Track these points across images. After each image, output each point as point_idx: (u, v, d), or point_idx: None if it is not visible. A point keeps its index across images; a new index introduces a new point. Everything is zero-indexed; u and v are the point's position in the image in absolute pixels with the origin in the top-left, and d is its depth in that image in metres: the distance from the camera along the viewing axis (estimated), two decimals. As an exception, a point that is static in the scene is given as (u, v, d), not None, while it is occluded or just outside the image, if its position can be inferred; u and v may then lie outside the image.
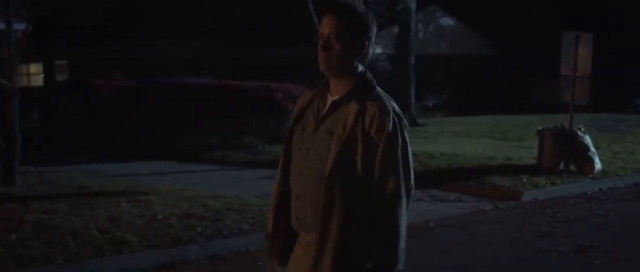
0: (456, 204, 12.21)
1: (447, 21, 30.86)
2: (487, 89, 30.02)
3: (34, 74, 30.92)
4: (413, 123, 24.16)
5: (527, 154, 16.58)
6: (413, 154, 12.40)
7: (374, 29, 3.60)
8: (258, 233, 9.64)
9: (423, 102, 27.59)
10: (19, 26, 19.32)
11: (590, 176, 14.25)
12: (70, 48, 29.21)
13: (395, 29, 25.31)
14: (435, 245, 9.44)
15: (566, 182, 13.73)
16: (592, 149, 14.70)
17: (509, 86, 30.64)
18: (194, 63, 26.94)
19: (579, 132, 14.69)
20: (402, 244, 3.48)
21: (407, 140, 3.55)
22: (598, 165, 14.58)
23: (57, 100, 20.60)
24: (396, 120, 3.49)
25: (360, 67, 3.58)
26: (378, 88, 3.60)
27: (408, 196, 3.51)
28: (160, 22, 26.27)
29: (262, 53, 26.12)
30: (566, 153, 14.55)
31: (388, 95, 3.59)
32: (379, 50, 23.36)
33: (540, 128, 14.99)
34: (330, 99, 3.61)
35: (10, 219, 9.61)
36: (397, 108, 3.55)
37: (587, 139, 14.72)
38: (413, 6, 23.19)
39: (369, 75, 3.61)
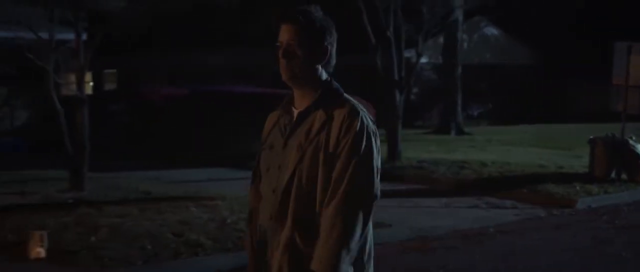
0: (511, 211, 12.41)
1: (491, 31, 31.02)
2: (530, 98, 30.13)
3: (71, 83, 31.49)
4: (460, 132, 24.37)
5: (577, 162, 16.72)
6: (465, 163, 12.71)
7: (335, 35, 3.47)
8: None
9: (468, 112, 27.77)
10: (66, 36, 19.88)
11: (643, 184, 14.39)
12: (118, 57, 29.71)
13: (440, 39, 25.55)
14: (498, 250, 9.68)
15: (619, 191, 13.88)
16: (644, 157, 14.83)
17: (552, 95, 30.71)
18: (240, 72, 27.33)
19: (630, 141, 14.83)
20: (347, 252, 3.26)
21: (374, 146, 3.36)
22: (650, 174, 14.71)
23: (110, 108, 21.05)
24: (365, 124, 3.34)
25: (325, 75, 3.46)
26: (346, 95, 3.46)
27: (366, 205, 3.30)
28: (207, 31, 26.66)
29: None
30: (617, 162, 14.69)
31: (357, 102, 3.45)
32: (424, 60, 23.58)
33: (591, 137, 15.15)
34: (295, 112, 3.48)
35: (87, 223, 9.97)
36: (366, 113, 3.40)
37: (639, 148, 14.86)
38: (460, 17, 23.44)
39: (335, 83, 3.48)
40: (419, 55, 16.84)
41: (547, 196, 13.33)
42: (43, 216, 10.41)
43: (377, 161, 3.38)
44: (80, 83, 12.43)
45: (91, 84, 30.61)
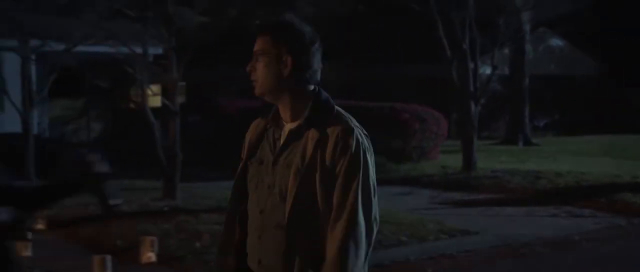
0: (591, 220, 12.61)
1: (556, 42, 31.11)
2: (595, 109, 30.16)
3: (154, 94, 32.18)
4: (527, 143, 24.55)
5: (652, 172, 16.85)
6: (539, 173, 12.85)
7: (311, 44, 3.27)
8: (416, 245, 10.34)
9: (534, 122, 27.91)
10: (155, 50, 20.50)
11: None
12: (186, 70, 30.25)
13: (505, 51, 25.76)
14: (587, 256, 9.95)
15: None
16: None
17: (617, 105, 30.70)
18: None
19: None
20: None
21: (370, 164, 3.25)
22: None
23: (187, 120, 21.58)
24: (360, 142, 3.22)
25: (311, 87, 3.29)
26: (337, 108, 3.31)
27: (367, 228, 3.20)
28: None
29: (376, 73, 26.81)
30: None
31: (349, 115, 3.32)
32: (488, 71, 23.82)
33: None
34: (286, 126, 3.31)
35: (188, 230, 10.44)
36: (361, 129, 3.28)
37: None
38: (527, 28, 23.65)
39: (324, 94, 3.33)
40: (495, 68, 17.14)
41: (624, 205, 13.50)
42: (144, 223, 10.92)
43: (374, 180, 3.26)
44: (172, 95, 12.93)
45: (159, 97, 31.25)
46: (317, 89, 3.31)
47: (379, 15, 17.10)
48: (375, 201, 3.25)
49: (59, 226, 10.98)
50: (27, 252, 9.27)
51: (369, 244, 3.22)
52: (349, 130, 3.20)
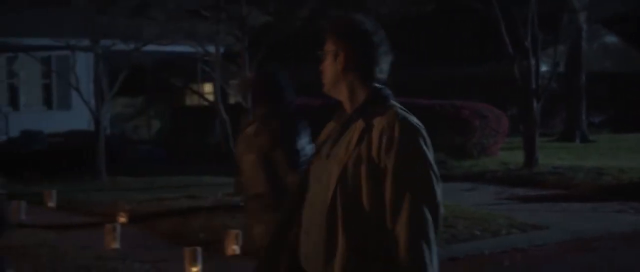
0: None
1: (611, 39, 31.06)
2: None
3: (207, 93, 32.67)
4: (584, 139, 24.58)
5: None
6: (602, 169, 12.88)
7: (379, 44, 3.30)
8: (489, 239, 10.56)
9: (589, 119, 27.88)
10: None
11: None
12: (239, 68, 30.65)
13: (561, 48, 25.80)
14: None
15: None
16: None
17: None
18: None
19: None
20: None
21: (427, 156, 3.12)
22: None
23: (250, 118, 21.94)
24: (409, 133, 3.12)
25: (370, 84, 3.27)
26: (393, 102, 3.24)
27: (434, 224, 3.09)
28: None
29: (439, 72, 27.02)
30: None
31: (404, 109, 3.23)
32: (544, 68, 23.87)
33: None
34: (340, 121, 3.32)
35: (270, 222, 10.72)
36: (414, 119, 3.19)
37: None
38: (584, 26, 23.73)
39: (384, 91, 3.28)
40: (557, 64, 17.28)
41: (693, 200, 13.58)
42: (222, 217, 11.26)
43: (434, 167, 3.14)
44: (245, 94, 13.26)
45: (212, 95, 31.71)
46: (379, 88, 3.27)
47: (440, 15, 17.28)
48: (436, 191, 3.10)
49: (139, 220, 11.33)
50: (116, 244, 9.67)
51: (436, 233, 3.09)
52: (396, 121, 3.11)
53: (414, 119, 3.18)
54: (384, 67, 3.31)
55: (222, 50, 21.65)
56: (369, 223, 3.07)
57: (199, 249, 8.55)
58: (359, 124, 3.15)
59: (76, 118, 20.70)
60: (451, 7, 15.23)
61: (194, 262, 8.44)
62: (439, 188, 3.10)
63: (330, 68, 3.29)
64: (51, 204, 13.08)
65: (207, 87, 33.22)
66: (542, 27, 16.98)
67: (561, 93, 26.23)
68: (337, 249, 3.08)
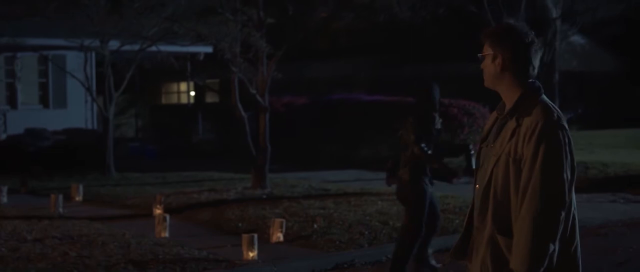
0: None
1: (577, 39, 32.20)
2: (615, 104, 31.34)
3: (183, 92, 33.17)
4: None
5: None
6: (586, 163, 13.98)
7: (530, 42, 3.83)
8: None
9: (560, 117, 28.98)
10: (204, 49, 21.55)
11: None
12: (221, 68, 31.23)
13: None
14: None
15: None
16: None
17: (635, 101, 31.85)
18: (346, 81, 28.83)
19: None
20: (542, 257, 3.60)
21: (560, 150, 3.67)
22: None
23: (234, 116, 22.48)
24: (549, 130, 3.66)
25: (524, 79, 3.83)
26: (543, 97, 3.82)
27: (555, 207, 3.61)
28: (313, 44, 28.11)
29: (406, 71, 27.86)
30: None
31: (553, 106, 3.80)
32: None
33: None
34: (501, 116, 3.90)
35: (298, 214, 11.49)
36: (556, 117, 3.73)
37: None
38: (558, 27, 24.75)
39: (537, 84, 3.86)
40: (548, 64, 18.20)
41: (677, 190, 14.63)
42: (253, 208, 11.97)
43: (566, 168, 3.68)
44: (262, 92, 13.94)
45: (193, 94, 32.24)
46: (531, 82, 3.86)
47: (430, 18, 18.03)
48: (564, 179, 3.64)
49: (175, 211, 11.96)
50: (166, 233, 10.33)
51: (553, 225, 3.61)
52: (539, 121, 3.68)
53: (556, 118, 3.73)
54: (535, 64, 3.88)
55: (210, 50, 22.40)
56: (509, 206, 3.73)
57: (255, 235, 9.25)
58: (512, 123, 3.77)
59: (72, 116, 21.20)
60: (446, 10, 15.97)
61: (251, 248, 9.14)
62: (567, 182, 3.65)
63: (489, 69, 3.87)
64: (78, 198, 13.64)
65: (183, 86, 33.80)
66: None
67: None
68: (486, 223, 3.80)
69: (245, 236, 9.22)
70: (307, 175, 17.01)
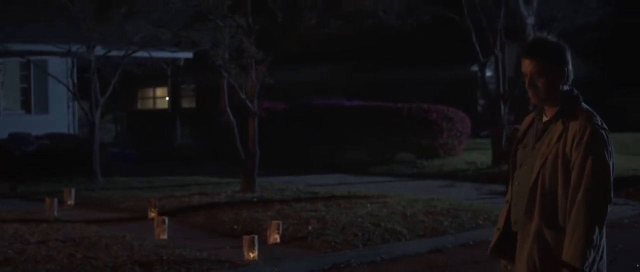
0: (627, 207, 14.13)
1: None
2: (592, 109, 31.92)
3: (160, 97, 33.32)
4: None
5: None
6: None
7: (569, 55, 4.13)
8: (492, 227, 11.76)
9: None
10: (185, 54, 21.79)
11: None
12: (195, 73, 31.39)
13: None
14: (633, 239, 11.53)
15: None
16: None
17: (604, 105, 32.45)
18: (324, 86, 29.14)
19: None
20: (592, 250, 3.91)
21: (605, 151, 3.98)
22: None
23: (218, 120, 22.68)
24: (596, 133, 3.98)
25: (566, 88, 4.14)
26: (583, 104, 4.12)
27: (602, 201, 3.95)
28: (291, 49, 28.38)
29: (383, 75, 28.25)
30: None
31: (592, 110, 4.09)
32: (489, 73, 25.38)
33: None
34: (544, 120, 4.19)
35: (292, 216, 11.75)
36: (599, 122, 4.04)
37: None
38: (531, 33, 25.26)
39: (575, 91, 4.16)
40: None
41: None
42: (247, 211, 12.22)
43: (607, 165, 4.00)
44: (252, 98, 14.18)
45: (167, 99, 32.35)
46: (570, 88, 4.18)
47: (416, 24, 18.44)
48: (608, 181, 3.99)
49: (169, 214, 12.14)
50: (164, 235, 10.56)
51: (601, 220, 3.97)
52: (586, 124, 4.02)
53: (600, 123, 4.06)
54: (572, 71, 4.20)
55: (191, 56, 22.62)
56: (557, 204, 4.04)
57: (255, 237, 9.52)
58: (558, 126, 4.09)
59: (54, 121, 21.29)
60: (431, 17, 16.38)
61: (252, 248, 9.41)
62: (609, 180, 4.00)
63: (537, 88, 4.13)
64: (70, 202, 13.80)
65: (159, 91, 33.93)
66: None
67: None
68: (533, 219, 4.08)
69: (246, 238, 9.49)
70: (291, 179, 17.26)
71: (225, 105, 14.43)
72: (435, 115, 20.11)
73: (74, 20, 16.79)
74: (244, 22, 13.88)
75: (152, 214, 12.19)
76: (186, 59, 23.80)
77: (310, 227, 11.04)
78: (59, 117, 21.65)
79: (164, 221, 10.71)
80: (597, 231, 3.93)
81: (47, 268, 8.54)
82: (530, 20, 21.95)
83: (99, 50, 17.42)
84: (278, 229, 10.53)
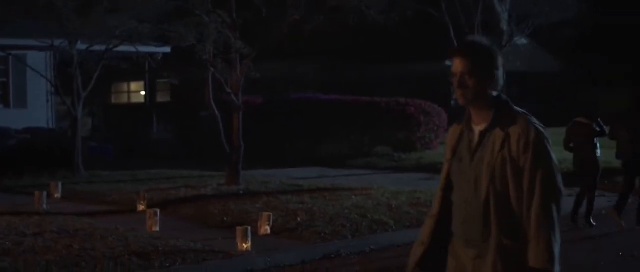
0: (604, 198, 14.39)
1: (521, 41, 33.21)
2: (557, 104, 32.43)
3: (134, 91, 33.34)
4: (505, 134, 26.56)
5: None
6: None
7: (500, 59, 4.00)
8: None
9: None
10: (163, 49, 21.90)
11: None
12: (173, 67, 31.44)
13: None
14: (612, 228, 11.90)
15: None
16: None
17: (570, 100, 33.05)
18: (299, 82, 29.34)
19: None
20: (557, 249, 3.86)
21: (550, 149, 3.93)
22: None
23: (200, 115, 22.84)
24: (537, 135, 3.90)
25: (495, 93, 3.98)
26: (515, 107, 4.01)
27: (557, 201, 3.88)
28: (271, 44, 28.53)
29: (362, 72, 28.53)
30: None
31: (525, 112, 4.00)
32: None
33: None
34: (477, 129, 4.02)
35: (279, 208, 11.98)
36: (536, 123, 3.96)
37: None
38: (505, 27, 25.67)
39: (504, 97, 4.02)
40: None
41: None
42: (234, 203, 12.43)
43: (556, 163, 3.96)
44: (237, 92, 14.38)
45: (143, 93, 32.39)
46: (499, 94, 4.02)
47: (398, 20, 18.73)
48: (559, 179, 3.93)
49: (158, 206, 12.30)
50: (156, 227, 10.74)
51: (560, 214, 3.91)
52: (528, 128, 3.92)
53: (539, 124, 3.99)
54: (502, 77, 4.04)
55: (169, 50, 22.74)
56: (513, 211, 3.92)
57: (249, 228, 9.73)
58: (498, 133, 3.94)
59: (32, 116, 21.34)
60: (413, 13, 16.68)
61: (245, 239, 9.62)
62: (560, 179, 3.94)
63: (467, 89, 3.96)
64: (57, 195, 13.92)
65: (134, 86, 33.95)
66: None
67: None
68: (491, 233, 3.95)
69: (239, 229, 9.70)
70: (272, 172, 17.48)
71: (210, 99, 14.60)
72: (413, 110, 20.40)
73: (56, 15, 16.86)
74: (228, 17, 14.05)
75: (142, 207, 12.37)
76: (164, 54, 23.90)
77: (299, 219, 11.27)
78: (37, 111, 21.70)
79: (156, 213, 10.88)
80: (558, 228, 3.89)
81: (46, 259, 8.69)
82: (505, 16, 22.40)
83: (80, 45, 17.54)
84: (269, 220, 10.74)
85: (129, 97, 33.90)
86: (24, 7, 17.15)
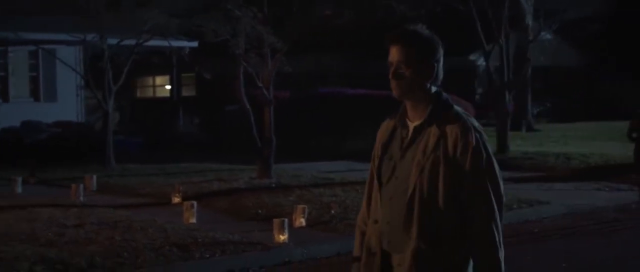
0: (632, 193, 14.51)
1: (545, 35, 33.25)
2: (581, 97, 32.47)
3: (159, 85, 33.58)
4: (530, 129, 26.64)
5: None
6: (567, 154, 15.60)
7: (441, 51, 3.66)
8: (507, 211, 12.17)
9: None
10: (190, 44, 22.09)
11: None
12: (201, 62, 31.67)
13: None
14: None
15: None
16: None
17: (597, 95, 33.04)
18: (323, 75, 29.49)
19: None
20: (501, 253, 3.60)
21: (491, 153, 3.64)
22: None
23: (228, 109, 23.02)
24: (478, 137, 3.59)
25: (434, 89, 3.66)
26: (455, 106, 3.68)
27: (499, 206, 3.60)
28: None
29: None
30: None
31: (466, 112, 3.68)
32: (482, 62, 25.80)
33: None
34: (411, 125, 3.69)
35: (313, 201, 12.13)
36: (476, 124, 3.64)
37: None
38: (530, 22, 25.71)
39: (444, 95, 3.69)
40: (528, 60, 19.09)
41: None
42: (267, 196, 12.60)
43: (496, 164, 3.66)
44: (268, 87, 14.53)
45: (168, 87, 32.62)
46: (438, 90, 3.70)
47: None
48: (500, 181, 3.65)
49: (193, 199, 12.47)
50: (193, 219, 10.90)
51: (501, 216, 3.62)
52: (467, 128, 3.59)
53: (477, 126, 3.66)
54: (442, 71, 3.73)
55: (196, 45, 22.93)
56: (440, 215, 3.60)
57: (286, 220, 9.89)
58: (434, 131, 3.62)
59: (63, 110, 21.61)
60: (438, 8, 16.80)
61: (282, 231, 9.77)
62: (501, 181, 3.66)
63: (403, 80, 3.64)
64: (92, 187, 14.12)
65: (159, 80, 34.20)
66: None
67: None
68: (411, 237, 3.64)
69: (276, 221, 9.85)
70: (300, 166, 17.60)
71: (242, 93, 14.74)
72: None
73: (86, 10, 17.06)
74: (259, 11, 14.19)
75: (177, 199, 12.55)
76: (190, 48, 24.11)
77: (332, 211, 11.41)
78: (67, 105, 21.96)
79: (192, 206, 11.04)
80: (501, 234, 3.62)
81: (91, 250, 8.87)
82: (530, 10, 22.46)
83: (111, 39, 17.73)
84: (304, 213, 10.89)
85: (154, 91, 34.17)
86: (54, 1, 17.35)
